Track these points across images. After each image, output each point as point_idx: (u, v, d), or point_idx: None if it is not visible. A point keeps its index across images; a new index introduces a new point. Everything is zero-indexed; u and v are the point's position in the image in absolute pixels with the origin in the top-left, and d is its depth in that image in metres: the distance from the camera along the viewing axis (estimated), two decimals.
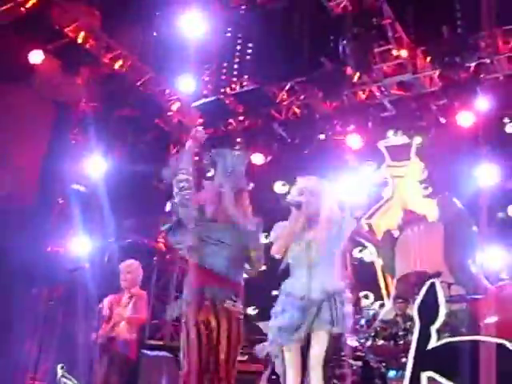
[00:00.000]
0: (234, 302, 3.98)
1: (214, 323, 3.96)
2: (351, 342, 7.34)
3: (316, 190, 4.18)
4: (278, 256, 4.12)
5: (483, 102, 8.69)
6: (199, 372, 3.90)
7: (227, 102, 10.30)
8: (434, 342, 1.94)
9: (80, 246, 9.03)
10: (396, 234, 9.26)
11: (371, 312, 7.45)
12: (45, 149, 9.10)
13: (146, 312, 6.71)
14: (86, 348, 5.88)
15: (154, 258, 10.52)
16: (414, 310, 1.91)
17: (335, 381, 6.88)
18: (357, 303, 8.76)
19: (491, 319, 7.80)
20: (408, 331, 6.80)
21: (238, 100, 10.25)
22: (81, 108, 9.97)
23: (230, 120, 10.64)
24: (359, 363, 6.84)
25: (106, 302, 6.51)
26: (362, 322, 7.56)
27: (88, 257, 8.45)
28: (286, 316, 3.96)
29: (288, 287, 4.08)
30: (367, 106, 9.82)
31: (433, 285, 1.93)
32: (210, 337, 3.97)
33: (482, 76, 8.89)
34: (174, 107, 10.62)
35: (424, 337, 1.95)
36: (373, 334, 7.05)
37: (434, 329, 1.95)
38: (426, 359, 1.93)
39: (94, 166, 9.71)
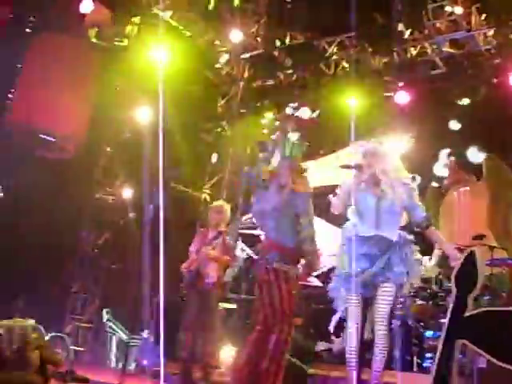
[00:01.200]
0: (282, 262, 4.37)
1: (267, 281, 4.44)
2: None
3: (376, 152, 4.55)
4: (336, 212, 4.58)
5: None
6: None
7: (276, 54, 10.22)
8: (470, 310, 1.96)
9: (127, 194, 9.21)
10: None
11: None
12: (94, 97, 9.21)
13: (232, 252, 6.88)
14: (129, 295, 6.06)
15: (199, 209, 10.66)
16: (452, 278, 1.93)
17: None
18: None
19: None
20: (449, 292, 6.79)
21: (287, 53, 10.14)
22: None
23: (279, 73, 10.56)
24: (397, 322, 6.88)
25: (195, 240, 6.73)
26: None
27: (134, 206, 8.62)
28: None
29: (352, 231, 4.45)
30: (418, 63, 9.63)
31: (472, 253, 1.94)
32: (267, 293, 4.46)
33: None
34: (223, 59, 10.57)
35: (460, 305, 1.98)
36: (412, 293, 7.03)
37: (471, 297, 1.97)
38: (461, 327, 1.96)
39: (141, 114, 9.78)
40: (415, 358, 6.77)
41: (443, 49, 9.38)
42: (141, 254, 5.48)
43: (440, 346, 1.92)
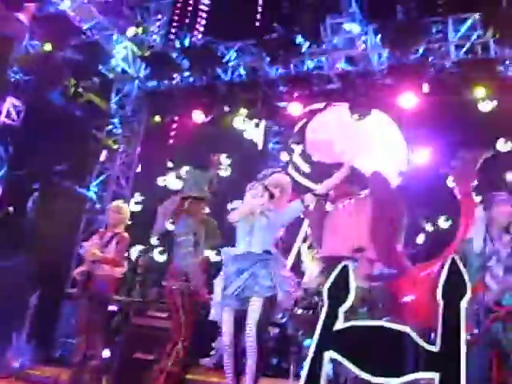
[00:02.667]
0: None
1: None
2: None
3: (281, 183, 5.20)
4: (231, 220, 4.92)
5: (427, 86, 8.83)
6: None
7: (174, 55, 10.13)
8: (339, 324, 1.98)
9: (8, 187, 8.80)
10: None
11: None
12: None
13: (123, 254, 6.71)
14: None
15: (85, 206, 10.37)
16: (324, 290, 1.94)
17: None
18: None
19: (408, 298, 8.05)
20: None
21: (185, 55, 10.08)
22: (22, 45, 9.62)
23: (175, 75, 10.47)
24: (276, 330, 6.97)
25: (90, 242, 6.55)
26: None
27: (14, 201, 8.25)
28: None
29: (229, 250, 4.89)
30: (313, 76, 9.83)
31: (345, 267, 1.96)
32: None
33: (430, 60, 9.03)
34: (120, 55, 10.36)
35: (330, 317, 1.99)
36: (292, 303, 7.13)
37: (341, 310, 1.99)
38: (330, 339, 1.97)
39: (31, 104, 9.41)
40: (292, 366, 6.86)
41: (338, 65, 9.64)
42: (17, 251, 5.25)
43: (310, 356, 1.92)
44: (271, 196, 5.00)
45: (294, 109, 9.65)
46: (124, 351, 7.13)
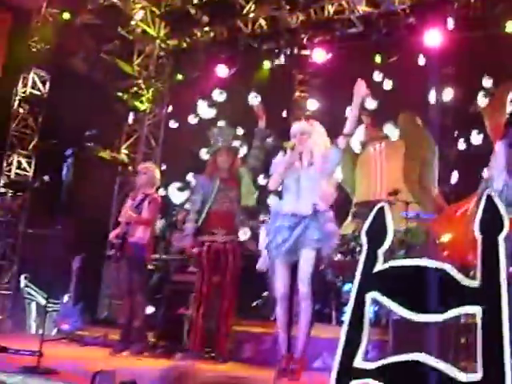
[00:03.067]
0: None
1: None
2: None
3: (306, 130, 4.85)
4: (273, 189, 4.89)
5: (452, 23, 8.64)
6: None
7: (193, 11, 10.03)
8: (380, 265, 2.01)
9: (42, 156, 8.94)
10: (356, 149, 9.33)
11: None
12: (3, 58, 8.83)
13: (154, 215, 6.80)
14: (47, 260, 5.96)
15: (117, 169, 10.49)
16: (362, 233, 1.97)
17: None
18: None
19: (446, 237, 8.05)
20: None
21: (204, 10, 9.97)
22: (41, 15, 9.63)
23: (195, 30, 10.39)
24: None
25: (125, 206, 6.69)
26: None
27: (49, 168, 8.37)
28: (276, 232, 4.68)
29: (277, 207, 4.83)
30: (335, 20, 9.68)
31: (382, 208, 1.98)
32: None
33: None
34: (138, 16, 10.29)
35: (370, 259, 2.02)
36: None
37: (381, 252, 2.01)
38: (371, 281, 2.00)
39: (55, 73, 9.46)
40: (334, 312, 6.95)
41: (359, 8, 9.46)
42: (58, 218, 5.37)
43: (352, 299, 1.97)
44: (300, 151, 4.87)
45: (318, 55, 9.55)
46: (167, 308, 7.29)
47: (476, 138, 8.60)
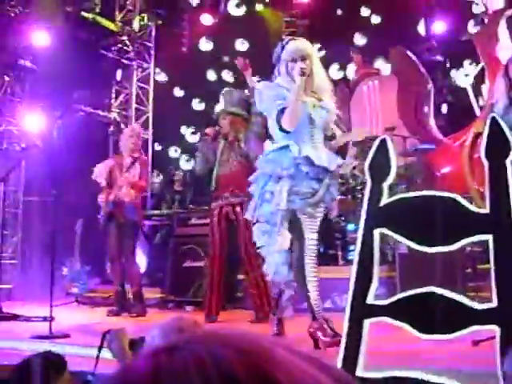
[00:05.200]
0: None
1: None
2: None
3: (309, 54, 3.93)
4: (290, 129, 3.87)
5: None
6: None
7: None
8: (385, 199, 1.96)
9: (31, 123, 8.81)
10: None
11: None
12: None
13: (147, 178, 6.76)
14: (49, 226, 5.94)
15: (109, 129, 10.36)
16: (365, 167, 1.91)
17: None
18: None
19: (445, 169, 8.03)
20: (365, 185, 6.91)
21: None
22: None
23: None
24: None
25: (103, 167, 6.54)
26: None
27: (40, 134, 8.28)
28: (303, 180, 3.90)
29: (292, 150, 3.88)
30: None
31: (383, 141, 1.91)
32: None
33: None
34: None
35: (376, 194, 1.96)
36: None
37: (385, 185, 1.96)
38: (378, 216, 1.95)
39: (38, 38, 9.24)
40: (339, 252, 6.96)
41: None
42: (54, 183, 5.32)
43: (360, 235, 1.92)
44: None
45: None
46: (173, 262, 7.32)
47: (468, 68, 8.51)
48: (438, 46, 9.13)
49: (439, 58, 9.19)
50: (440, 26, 8.94)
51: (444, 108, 8.94)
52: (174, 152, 10.92)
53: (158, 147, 10.87)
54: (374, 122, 8.18)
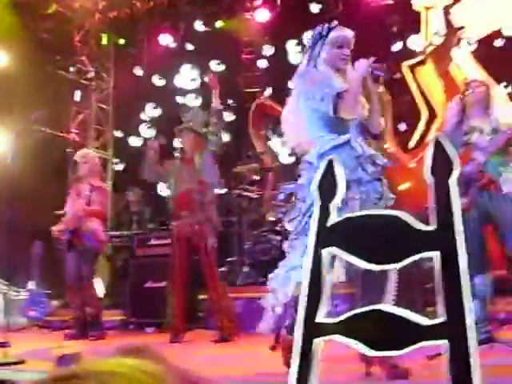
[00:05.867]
0: None
1: None
2: (271, 217, 7.56)
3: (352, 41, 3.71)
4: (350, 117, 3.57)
5: None
6: None
7: None
8: (333, 219, 1.97)
9: None
10: None
11: (288, 188, 7.55)
12: None
13: (107, 204, 6.68)
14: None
15: (67, 150, 10.26)
16: (313, 188, 1.93)
17: (257, 256, 7.12)
18: (275, 180, 8.95)
19: (404, 186, 8.13)
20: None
21: None
22: None
23: (134, 1, 10.14)
24: (278, 238, 7.04)
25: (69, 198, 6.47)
26: (281, 197, 7.71)
27: None
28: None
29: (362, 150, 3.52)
30: None
31: (331, 161, 1.94)
32: None
33: None
34: None
35: (323, 214, 1.98)
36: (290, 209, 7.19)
37: (333, 205, 1.98)
38: (326, 235, 1.97)
39: None
40: None
41: None
42: (12, 206, 5.24)
43: (309, 256, 1.93)
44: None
45: (261, 15, 9.47)
46: (134, 284, 7.26)
47: None
48: (397, 63, 9.32)
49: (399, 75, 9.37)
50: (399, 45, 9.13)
51: (403, 125, 9.07)
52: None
53: (118, 166, 10.79)
54: None
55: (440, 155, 1.81)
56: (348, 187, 2.93)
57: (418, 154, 8.29)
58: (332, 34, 3.57)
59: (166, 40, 9.93)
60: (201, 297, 6.61)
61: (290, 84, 3.81)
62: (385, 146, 8.43)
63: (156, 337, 6.42)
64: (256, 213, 8.12)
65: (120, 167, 10.78)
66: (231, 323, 5.75)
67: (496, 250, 4.60)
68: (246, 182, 8.28)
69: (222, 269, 7.54)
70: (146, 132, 9.96)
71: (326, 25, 3.64)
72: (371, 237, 1.86)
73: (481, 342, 3.54)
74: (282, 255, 6.61)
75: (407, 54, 8.98)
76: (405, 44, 8.93)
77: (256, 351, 4.59)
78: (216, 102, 5.81)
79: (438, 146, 1.82)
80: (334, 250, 1.89)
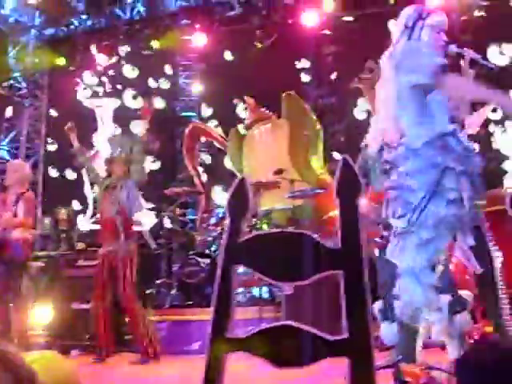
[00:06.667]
0: None
1: None
2: (200, 239, 7.58)
3: None
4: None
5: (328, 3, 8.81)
6: None
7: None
8: (243, 236, 2.03)
9: None
10: (243, 131, 9.44)
11: (221, 211, 7.61)
12: None
13: (33, 214, 6.52)
14: None
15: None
16: (225, 205, 1.98)
17: (185, 279, 7.10)
18: (207, 203, 8.99)
19: (333, 213, 8.28)
20: (254, 228, 7.01)
21: None
22: None
23: (72, 19, 10.08)
24: (207, 261, 7.05)
25: None
26: (212, 220, 7.75)
27: None
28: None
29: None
30: (214, 4, 9.68)
31: (242, 180, 2.00)
32: None
33: None
34: (9, 5, 9.86)
35: (234, 230, 2.04)
36: (220, 232, 7.26)
37: (243, 222, 2.04)
38: (236, 252, 2.02)
39: None
40: None
41: None
42: None
43: (219, 272, 1.98)
44: None
45: (199, 40, 9.54)
46: (60, 304, 7.12)
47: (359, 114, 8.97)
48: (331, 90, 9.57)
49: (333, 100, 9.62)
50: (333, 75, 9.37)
51: (336, 153, 9.25)
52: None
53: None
54: (266, 166, 8.33)
55: (347, 177, 1.89)
56: (457, 177, 3.09)
57: None
58: (433, 17, 3.45)
59: (104, 60, 9.88)
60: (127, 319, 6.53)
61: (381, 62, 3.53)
62: (318, 173, 8.61)
63: (80, 358, 6.32)
64: (186, 235, 8.12)
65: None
66: (152, 346, 5.79)
67: None
68: (176, 205, 8.26)
69: (150, 291, 7.51)
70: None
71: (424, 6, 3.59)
72: (280, 254, 1.93)
73: None
74: (210, 278, 6.66)
75: None
76: None
77: (182, 372, 4.59)
78: (143, 132, 5.99)
79: (345, 166, 1.90)
80: (243, 266, 1.95)
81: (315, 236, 1.93)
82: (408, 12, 3.49)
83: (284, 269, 1.94)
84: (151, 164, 9.03)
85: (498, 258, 3.23)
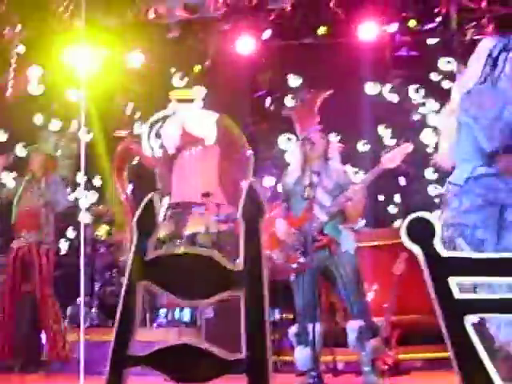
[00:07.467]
0: None
1: None
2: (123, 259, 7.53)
3: None
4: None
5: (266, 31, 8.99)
6: None
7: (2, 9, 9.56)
8: (150, 253, 2.08)
9: None
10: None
11: None
12: None
13: None
14: None
15: None
16: (133, 223, 2.03)
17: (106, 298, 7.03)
18: None
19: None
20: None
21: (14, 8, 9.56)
22: None
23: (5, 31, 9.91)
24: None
25: None
26: None
27: None
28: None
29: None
30: (152, 25, 9.71)
31: (151, 199, 2.05)
32: None
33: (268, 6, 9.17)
34: None
35: (141, 248, 2.08)
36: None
37: (151, 240, 2.08)
38: (142, 270, 2.07)
39: None
40: (148, 314, 6.97)
41: (177, 12, 9.55)
42: None
43: (124, 288, 2.02)
44: None
45: (135, 60, 9.56)
46: None
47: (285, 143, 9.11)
48: (263, 117, 9.70)
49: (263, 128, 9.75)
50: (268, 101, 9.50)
51: (267, 180, 9.35)
52: None
53: None
54: (193, 187, 8.38)
55: (251, 201, 1.97)
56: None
57: (275, 207, 8.56)
58: None
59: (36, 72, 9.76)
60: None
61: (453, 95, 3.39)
62: None
63: None
64: (110, 255, 8.05)
65: None
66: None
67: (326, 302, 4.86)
68: (103, 223, 8.19)
69: (70, 310, 7.38)
70: None
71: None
72: (185, 273, 1.99)
73: None
74: None
75: None
76: None
77: None
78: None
79: (251, 190, 1.98)
80: (148, 284, 2.00)
81: (220, 256, 1.99)
82: (492, 42, 3.32)
83: (186, 287, 2.00)
84: None
85: None
